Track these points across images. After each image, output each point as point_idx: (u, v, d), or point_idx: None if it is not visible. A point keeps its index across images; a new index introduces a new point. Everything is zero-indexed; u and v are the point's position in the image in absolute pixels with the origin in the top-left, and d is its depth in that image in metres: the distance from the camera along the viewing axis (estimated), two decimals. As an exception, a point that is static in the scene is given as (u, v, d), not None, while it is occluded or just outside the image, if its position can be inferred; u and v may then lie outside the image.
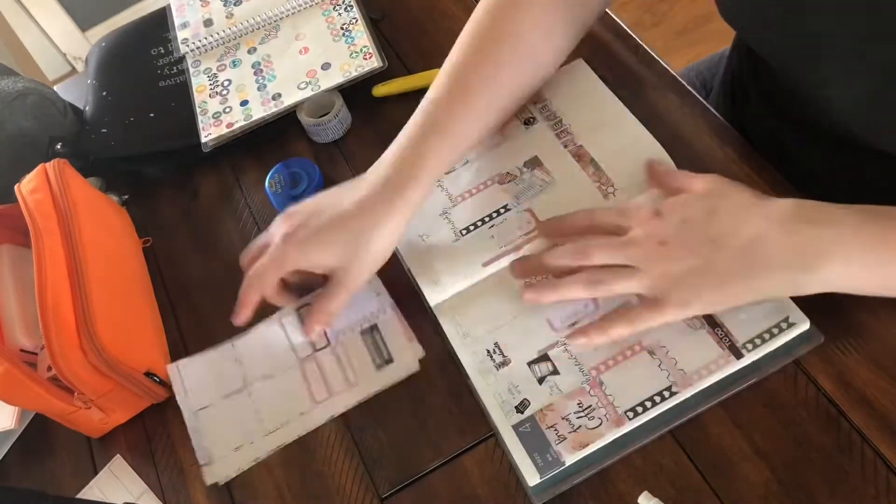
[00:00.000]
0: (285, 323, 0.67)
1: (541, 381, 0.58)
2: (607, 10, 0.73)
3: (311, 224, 0.60)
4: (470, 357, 0.60)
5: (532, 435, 0.56)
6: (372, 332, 0.65)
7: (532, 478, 0.54)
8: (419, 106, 0.63)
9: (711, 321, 0.56)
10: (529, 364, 0.59)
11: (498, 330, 0.61)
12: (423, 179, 0.60)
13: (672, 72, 0.72)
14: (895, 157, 0.55)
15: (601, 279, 0.56)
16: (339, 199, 0.61)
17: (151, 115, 0.83)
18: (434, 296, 0.64)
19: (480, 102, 0.62)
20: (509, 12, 0.63)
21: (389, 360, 0.63)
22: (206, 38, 0.87)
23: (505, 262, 0.63)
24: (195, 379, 0.66)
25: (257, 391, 0.65)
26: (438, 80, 0.63)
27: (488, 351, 0.60)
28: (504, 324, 0.61)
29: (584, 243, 0.57)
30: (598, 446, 0.54)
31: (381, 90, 0.79)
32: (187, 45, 0.87)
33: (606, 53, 0.74)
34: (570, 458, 0.54)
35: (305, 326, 0.64)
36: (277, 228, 0.62)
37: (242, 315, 0.63)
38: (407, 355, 0.63)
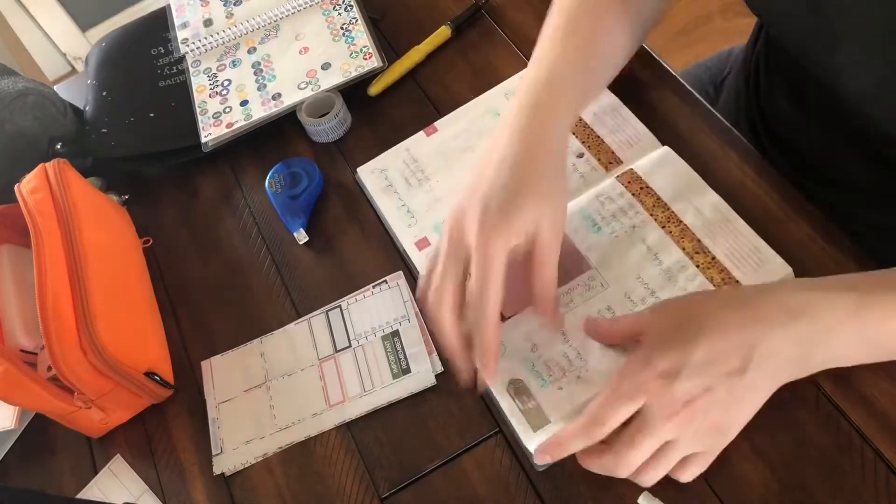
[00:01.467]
0: (313, 322, 0.67)
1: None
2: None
3: (491, 206, 0.53)
4: None
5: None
6: (393, 338, 0.65)
7: (531, 443, 0.55)
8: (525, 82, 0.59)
9: None
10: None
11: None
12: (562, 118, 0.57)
13: (672, 72, 0.72)
14: None
15: (648, 472, 0.51)
16: (485, 173, 0.55)
17: (151, 115, 0.83)
18: None
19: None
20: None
21: (407, 370, 0.63)
22: (206, 38, 0.87)
23: None
24: (223, 373, 0.67)
25: (275, 387, 0.65)
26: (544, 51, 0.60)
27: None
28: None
29: (622, 450, 0.51)
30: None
31: (375, 88, 0.79)
32: (187, 45, 0.87)
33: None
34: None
35: (547, 321, 0.58)
36: (454, 240, 0.54)
37: (491, 366, 0.55)
38: (424, 368, 0.62)
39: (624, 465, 0.51)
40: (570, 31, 0.61)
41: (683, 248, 0.61)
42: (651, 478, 0.52)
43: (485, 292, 0.52)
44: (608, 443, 0.51)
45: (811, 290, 0.51)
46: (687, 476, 0.52)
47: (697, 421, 0.50)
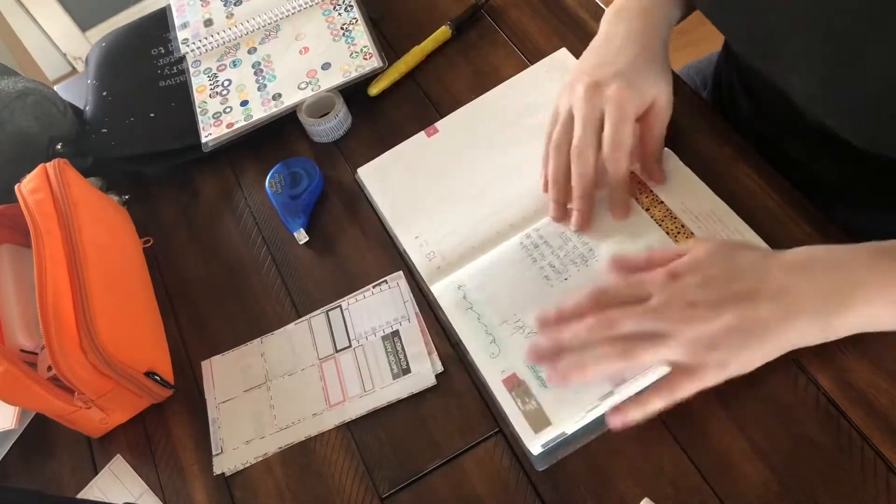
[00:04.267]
0: (313, 322, 0.67)
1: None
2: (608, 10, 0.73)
3: (626, 78, 0.61)
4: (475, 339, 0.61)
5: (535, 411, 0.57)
6: (393, 338, 0.65)
7: (534, 446, 0.55)
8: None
9: None
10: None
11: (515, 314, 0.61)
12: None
13: (672, 70, 0.72)
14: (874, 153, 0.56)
15: (630, 349, 0.51)
16: (608, 59, 0.64)
17: (151, 115, 0.83)
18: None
19: None
20: None
21: (407, 370, 0.63)
22: (206, 38, 0.87)
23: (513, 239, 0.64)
24: (223, 373, 0.67)
25: (276, 387, 0.65)
26: None
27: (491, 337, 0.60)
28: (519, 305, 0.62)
29: (606, 314, 0.53)
30: (598, 414, 0.55)
31: (375, 88, 0.79)
32: (187, 45, 0.87)
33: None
34: (570, 427, 0.55)
35: (650, 173, 0.65)
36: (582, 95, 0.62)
37: (623, 208, 0.63)
38: (424, 368, 0.62)
39: (605, 322, 0.52)
40: None
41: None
42: (638, 354, 0.51)
43: (621, 140, 0.60)
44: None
45: (840, 247, 0.52)
46: (664, 394, 0.52)
47: (695, 325, 0.50)
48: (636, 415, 0.53)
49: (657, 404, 0.53)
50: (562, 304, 0.56)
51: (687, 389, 0.52)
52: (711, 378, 0.51)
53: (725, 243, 0.55)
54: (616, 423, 0.53)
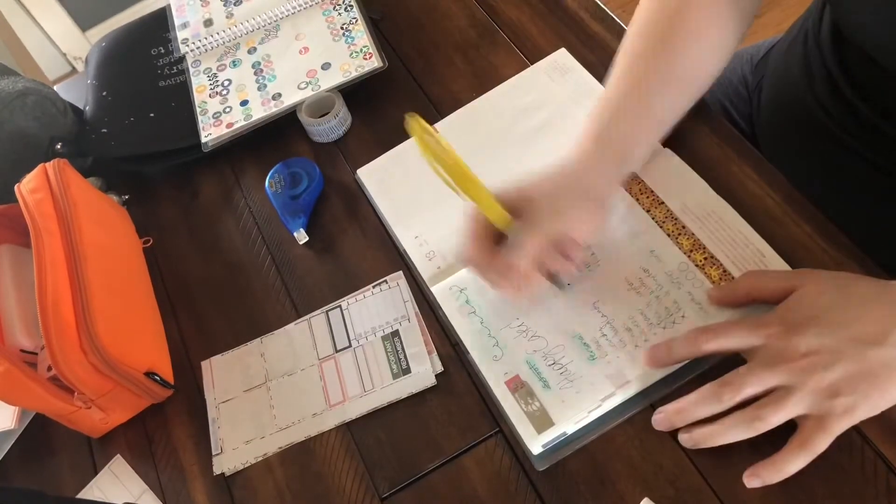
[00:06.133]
0: (313, 322, 0.67)
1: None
2: (608, 11, 0.73)
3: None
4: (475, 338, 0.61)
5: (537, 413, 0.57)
6: (393, 338, 0.65)
7: (535, 446, 0.55)
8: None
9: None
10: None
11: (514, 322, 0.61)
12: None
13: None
14: None
15: (760, 415, 0.50)
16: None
17: (151, 115, 0.83)
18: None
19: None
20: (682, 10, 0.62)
21: (407, 371, 0.63)
22: (206, 38, 0.87)
23: None
24: (223, 373, 0.67)
25: (276, 387, 0.65)
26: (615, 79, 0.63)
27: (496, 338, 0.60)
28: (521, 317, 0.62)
29: (728, 379, 0.51)
30: (599, 414, 0.56)
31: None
32: (187, 45, 0.87)
33: (607, 53, 0.74)
34: (571, 427, 0.56)
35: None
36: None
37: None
38: (424, 368, 0.62)
39: (730, 387, 0.50)
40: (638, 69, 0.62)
41: (681, 246, 0.61)
42: (766, 417, 0.49)
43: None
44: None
45: None
46: (801, 453, 0.49)
47: (816, 374, 0.48)
48: (773, 478, 0.51)
49: (796, 464, 0.50)
50: (676, 346, 0.55)
51: (821, 442, 0.49)
52: (840, 426, 0.49)
53: (834, 277, 0.54)
54: (754, 484, 0.51)
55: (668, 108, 0.63)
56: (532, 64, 0.77)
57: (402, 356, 0.63)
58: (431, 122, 0.75)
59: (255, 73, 0.83)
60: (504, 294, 0.61)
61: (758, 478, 0.51)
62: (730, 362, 0.53)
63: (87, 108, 0.85)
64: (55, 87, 0.90)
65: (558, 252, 0.58)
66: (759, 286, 0.56)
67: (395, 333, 0.65)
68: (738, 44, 0.65)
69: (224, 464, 0.63)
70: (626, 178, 0.64)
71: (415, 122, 0.56)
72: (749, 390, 0.50)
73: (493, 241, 0.60)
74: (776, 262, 0.58)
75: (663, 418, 0.54)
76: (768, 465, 0.51)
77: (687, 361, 0.55)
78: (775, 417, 0.50)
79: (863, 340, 0.49)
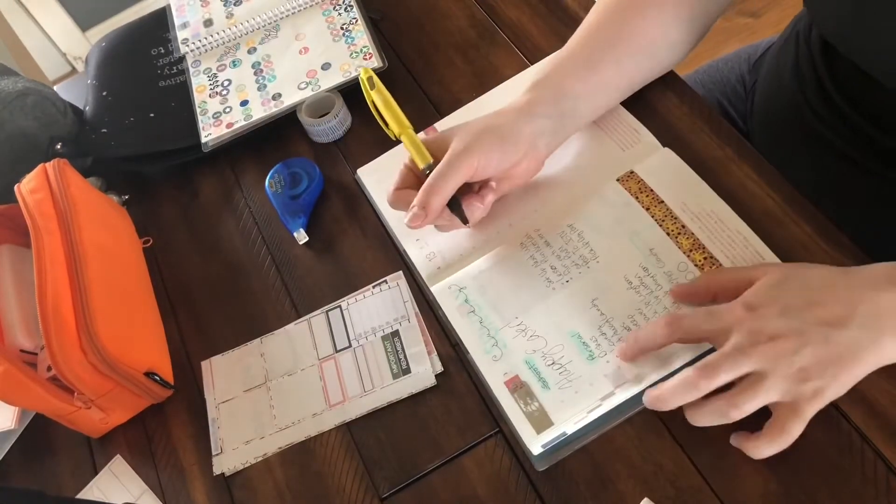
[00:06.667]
0: (313, 322, 0.67)
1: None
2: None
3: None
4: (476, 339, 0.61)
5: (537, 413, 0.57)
6: (393, 338, 0.65)
7: (535, 446, 0.55)
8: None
9: None
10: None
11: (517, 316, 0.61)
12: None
13: (673, 71, 0.72)
14: None
15: (735, 402, 0.50)
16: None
17: (151, 115, 0.83)
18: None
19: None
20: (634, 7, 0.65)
21: (407, 371, 0.63)
22: (206, 38, 0.87)
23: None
24: (223, 373, 0.67)
25: (275, 387, 0.65)
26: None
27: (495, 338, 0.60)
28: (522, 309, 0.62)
29: (702, 365, 0.51)
30: (598, 414, 0.56)
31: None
32: (187, 45, 0.87)
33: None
34: (571, 427, 0.56)
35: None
36: None
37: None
38: (424, 368, 0.62)
39: (705, 375, 0.50)
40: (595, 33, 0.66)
41: (680, 246, 0.61)
42: (740, 406, 0.49)
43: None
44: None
45: None
46: (777, 438, 0.50)
47: (785, 359, 0.49)
48: (761, 454, 0.52)
49: (772, 449, 0.51)
50: (641, 337, 0.55)
51: (796, 427, 0.50)
52: (811, 409, 0.50)
53: (793, 266, 0.55)
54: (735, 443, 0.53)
55: (618, 70, 0.65)
56: (532, 64, 0.77)
57: (401, 356, 0.63)
58: (431, 121, 0.75)
59: (255, 74, 0.83)
60: (409, 223, 0.62)
61: (740, 447, 0.52)
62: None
63: (87, 108, 0.85)
64: (55, 87, 0.90)
65: (473, 191, 0.63)
66: (720, 279, 0.57)
67: (395, 333, 0.65)
68: (709, 20, 0.67)
69: (224, 464, 0.63)
70: (566, 131, 0.65)
71: (363, 72, 0.67)
72: (724, 377, 0.51)
73: (416, 185, 0.64)
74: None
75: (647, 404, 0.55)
76: (749, 447, 0.51)
77: (686, 362, 0.55)
78: (749, 406, 0.50)
79: (828, 323, 0.50)
